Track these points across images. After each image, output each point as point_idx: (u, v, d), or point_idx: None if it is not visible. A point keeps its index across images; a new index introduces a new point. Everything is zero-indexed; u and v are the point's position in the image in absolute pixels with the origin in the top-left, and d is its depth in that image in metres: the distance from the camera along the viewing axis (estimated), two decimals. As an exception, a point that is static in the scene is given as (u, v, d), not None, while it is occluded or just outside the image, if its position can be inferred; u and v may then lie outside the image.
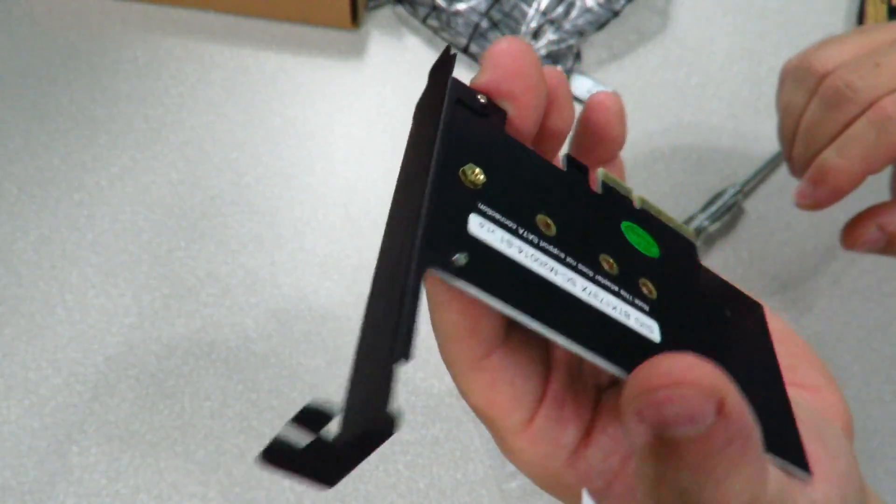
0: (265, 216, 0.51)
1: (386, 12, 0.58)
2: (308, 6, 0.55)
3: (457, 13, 0.55)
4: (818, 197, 0.34)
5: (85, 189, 0.51)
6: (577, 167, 0.21)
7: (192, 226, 0.50)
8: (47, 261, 0.49)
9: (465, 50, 0.55)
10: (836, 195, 0.33)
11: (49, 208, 0.51)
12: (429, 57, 0.56)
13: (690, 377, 0.15)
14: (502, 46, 0.19)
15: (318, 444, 0.14)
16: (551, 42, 0.55)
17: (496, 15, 0.56)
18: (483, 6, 0.56)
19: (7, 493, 0.44)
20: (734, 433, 0.15)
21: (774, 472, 0.18)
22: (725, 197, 0.51)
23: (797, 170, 0.37)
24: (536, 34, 0.55)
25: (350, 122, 0.54)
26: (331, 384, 0.47)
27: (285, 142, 0.53)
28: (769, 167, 0.53)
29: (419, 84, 0.55)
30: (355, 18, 0.56)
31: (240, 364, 0.47)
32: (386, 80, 0.55)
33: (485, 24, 0.55)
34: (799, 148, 0.36)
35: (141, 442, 0.45)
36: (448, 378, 0.47)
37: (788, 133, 0.36)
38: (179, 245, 0.50)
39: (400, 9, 0.58)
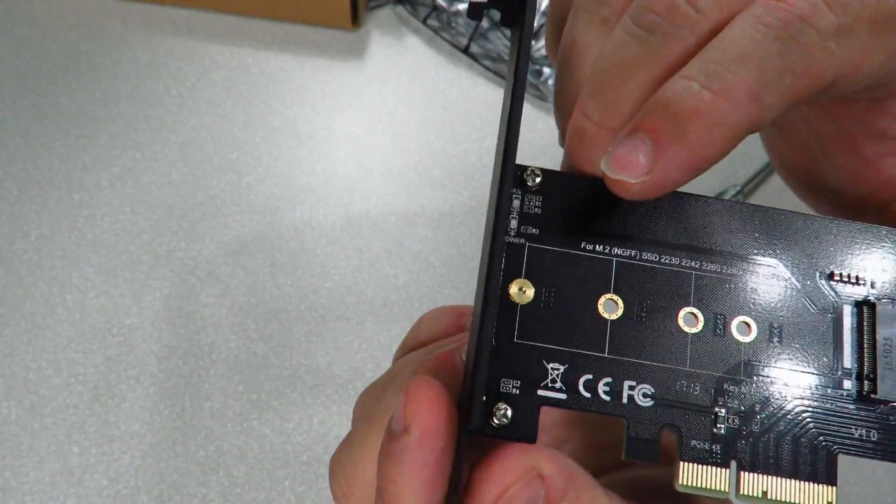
0: (265, 216, 0.51)
1: (386, 12, 0.58)
2: (308, 6, 0.55)
3: (457, 13, 0.55)
4: (664, 167, 0.16)
5: (85, 189, 0.51)
6: None
7: (192, 226, 0.50)
8: (47, 261, 0.49)
9: (466, 50, 0.55)
10: (698, 162, 0.17)
11: (49, 208, 0.51)
12: (429, 57, 0.56)
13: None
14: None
15: None
16: (551, 42, 0.55)
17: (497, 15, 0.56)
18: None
19: (7, 493, 0.44)
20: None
21: None
22: (726, 197, 0.51)
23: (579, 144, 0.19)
24: (537, 34, 0.55)
25: (350, 122, 0.54)
26: (330, 384, 0.47)
27: (285, 142, 0.53)
28: (770, 167, 0.53)
29: (419, 84, 0.55)
30: (355, 18, 0.56)
31: (240, 364, 0.47)
32: (386, 80, 0.55)
33: (485, 23, 0.55)
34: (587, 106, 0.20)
35: (141, 442, 0.45)
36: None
37: (571, 86, 0.20)
38: (179, 245, 0.50)
39: (400, 9, 0.57)
